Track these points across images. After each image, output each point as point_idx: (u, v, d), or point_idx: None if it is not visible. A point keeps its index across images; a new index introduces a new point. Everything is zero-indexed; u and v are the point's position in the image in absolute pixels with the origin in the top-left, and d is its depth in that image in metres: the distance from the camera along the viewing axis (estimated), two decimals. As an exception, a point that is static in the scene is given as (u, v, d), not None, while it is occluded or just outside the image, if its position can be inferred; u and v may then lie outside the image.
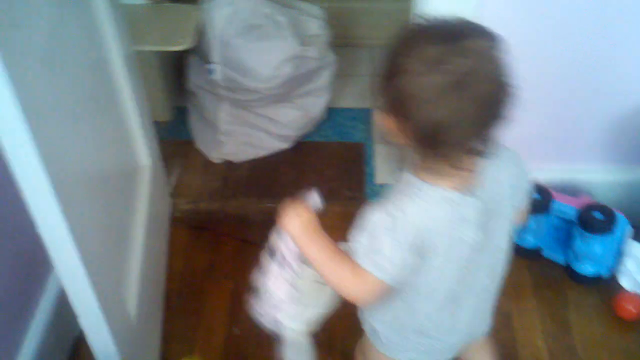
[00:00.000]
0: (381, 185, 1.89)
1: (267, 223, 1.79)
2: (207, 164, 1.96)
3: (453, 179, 0.89)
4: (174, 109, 2.12)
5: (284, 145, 1.96)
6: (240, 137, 1.92)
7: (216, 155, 1.95)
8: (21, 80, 0.81)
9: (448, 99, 0.79)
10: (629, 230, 1.57)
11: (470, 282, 1.01)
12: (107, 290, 1.13)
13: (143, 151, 1.53)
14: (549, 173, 1.67)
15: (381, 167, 1.95)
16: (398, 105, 0.83)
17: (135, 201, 1.49)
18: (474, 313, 1.08)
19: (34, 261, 1.35)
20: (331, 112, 2.08)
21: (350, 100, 2.16)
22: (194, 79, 1.92)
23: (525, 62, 1.33)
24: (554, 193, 1.61)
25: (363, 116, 2.11)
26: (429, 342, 1.08)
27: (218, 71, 1.81)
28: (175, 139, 2.04)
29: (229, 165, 1.96)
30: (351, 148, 1.99)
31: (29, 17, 0.90)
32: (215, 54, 1.79)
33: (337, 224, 1.74)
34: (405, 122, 0.84)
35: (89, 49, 1.26)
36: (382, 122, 0.88)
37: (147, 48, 1.72)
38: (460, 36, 0.80)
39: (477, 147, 0.85)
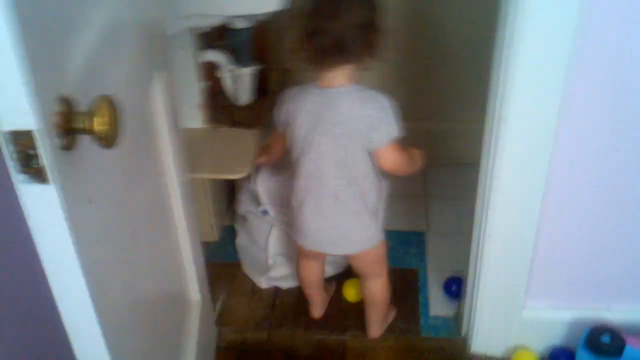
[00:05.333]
0: (436, 317, 1.80)
1: (316, 357, 1.72)
2: (254, 289, 1.90)
3: (319, 81, 1.40)
4: (221, 228, 2.08)
5: (335, 271, 1.89)
6: (289, 261, 1.86)
7: (264, 280, 1.89)
8: (87, 249, 0.77)
9: (301, 23, 1.33)
10: None
11: (312, 178, 1.45)
12: None
13: (193, 287, 1.48)
14: (619, 313, 1.58)
15: (436, 295, 1.86)
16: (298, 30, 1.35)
17: (182, 336, 1.42)
18: (318, 215, 1.49)
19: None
20: (382, 236, 2.01)
21: (402, 222, 2.10)
22: (246, 203, 1.89)
23: (601, 199, 1.29)
24: (627, 336, 1.51)
25: (416, 240, 2.05)
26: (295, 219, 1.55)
27: (271, 212, 1.78)
28: (221, 260, 1.99)
29: (276, 291, 1.89)
30: (404, 275, 1.92)
31: (103, 191, 0.87)
32: (263, 195, 1.77)
33: (391, 360, 1.68)
34: (297, 44, 1.35)
35: (150, 182, 1.23)
36: (296, 49, 1.36)
37: (204, 176, 1.70)
38: None
39: (323, 61, 1.35)
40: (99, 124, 0.71)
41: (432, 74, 2.23)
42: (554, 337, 1.64)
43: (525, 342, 1.65)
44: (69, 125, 0.71)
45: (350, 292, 1.84)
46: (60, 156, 0.71)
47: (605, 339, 1.50)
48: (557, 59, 1.20)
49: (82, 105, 0.73)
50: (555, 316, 1.61)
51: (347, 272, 1.86)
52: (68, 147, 0.72)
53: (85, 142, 0.75)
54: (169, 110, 1.27)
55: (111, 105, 0.72)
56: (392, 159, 1.45)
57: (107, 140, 0.72)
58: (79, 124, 0.72)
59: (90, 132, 0.71)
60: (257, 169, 1.77)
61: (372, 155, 1.45)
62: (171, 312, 1.39)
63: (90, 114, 0.71)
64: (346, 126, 1.39)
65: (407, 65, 2.20)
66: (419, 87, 2.25)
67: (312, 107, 1.41)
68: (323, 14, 1.32)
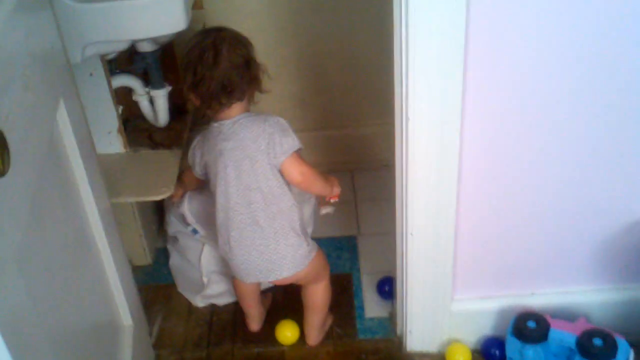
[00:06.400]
0: (372, 319, 1.83)
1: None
2: (190, 308, 1.90)
3: (215, 117, 1.51)
4: (153, 251, 2.07)
5: (271, 284, 1.90)
6: (223, 278, 1.86)
7: (199, 299, 1.89)
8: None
9: (188, 73, 1.47)
10: (630, 354, 1.52)
11: (228, 210, 1.52)
12: None
13: (124, 312, 1.47)
14: (543, 298, 1.64)
15: (371, 298, 1.89)
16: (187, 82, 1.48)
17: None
18: (243, 246, 1.53)
19: None
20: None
21: (333, 228, 2.12)
22: (175, 223, 1.88)
23: (514, 185, 1.35)
24: (550, 320, 1.56)
25: (347, 244, 2.08)
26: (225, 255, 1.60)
27: (200, 229, 1.78)
28: (155, 283, 1.98)
29: (213, 308, 1.89)
30: (338, 280, 1.94)
31: (6, 222, 0.86)
32: (189, 215, 1.77)
33: (330, 366, 1.70)
34: (189, 91, 1.49)
35: (64, 211, 1.22)
36: (190, 99, 1.51)
37: (126, 200, 1.69)
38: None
39: (215, 104, 1.47)
40: (-15, 155, 0.71)
41: (348, 80, 2.26)
42: (485, 328, 1.69)
43: (458, 335, 1.69)
44: (-45, 159, 0.71)
45: (283, 335, 1.78)
46: (-52, 190, 0.71)
47: (531, 324, 1.55)
48: (451, 57, 1.24)
49: (-31, 138, 0.73)
50: (483, 307, 1.66)
51: (278, 307, 1.88)
52: (-43, 180, 0.72)
53: (-23, 175, 0.75)
54: (80, 137, 1.27)
55: (-3, 135, 0.72)
56: (298, 170, 1.51)
57: (-5, 170, 0.72)
58: (-35, 156, 0.72)
59: (-23, 163, 0.71)
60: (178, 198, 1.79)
61: (280, 172, 1.50)
62: (101, 341, 1.38)
63: (-24, 146, 0.71)
64: (247, 149, 1.47)
65: (321, 75, 2.23)
66: (338, 95, 2.28)
67: (214, 142, 1.51)
68: (206, 62, 1.44)
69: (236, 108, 1.50)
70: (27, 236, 0.95)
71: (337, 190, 1.65)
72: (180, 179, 1.74)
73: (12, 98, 0.94)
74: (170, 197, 1.75)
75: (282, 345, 1.77)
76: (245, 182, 1.48)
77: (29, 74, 1.02)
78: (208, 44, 1.45)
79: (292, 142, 1.49)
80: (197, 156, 1.59)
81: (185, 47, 1.49)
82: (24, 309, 0.91)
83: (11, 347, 0.83)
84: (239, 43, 1.48)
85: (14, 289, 0.88)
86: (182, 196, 1.78)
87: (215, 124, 1.52)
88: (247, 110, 1.53)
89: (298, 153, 1.51)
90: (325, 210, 1.66)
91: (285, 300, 1.89)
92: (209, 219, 1.71)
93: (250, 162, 1.47)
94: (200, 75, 1.44)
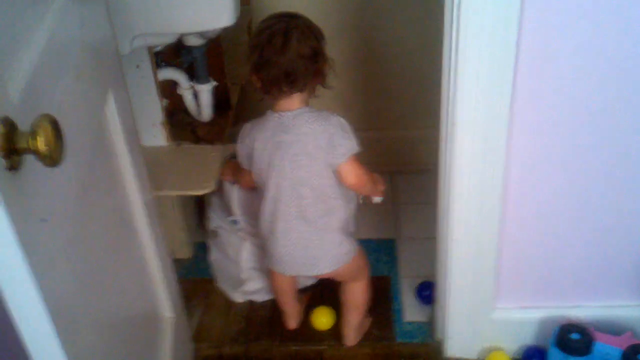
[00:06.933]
0: (411, 323, 1.81)
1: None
2: (229, 303, 1.90)
3: (274, 107, 1.48)
4: (194, 245, 2.07)
5: (308, 282, 1.89)
6: (263, 275, 1.86)
7: (238, 294, 1.89)
8: (43, 270, 0.77)
9: (254, 56, 1.42)
10: (679, 371, 1.47)
11: (277, 201, 1.49)
12: None
13: (166, 304, 1.48)
14: (588, 310, 1.59)
15: (409, 301, 1.87)
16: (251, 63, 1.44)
17: (156, 354, 1.42)
18: (289, 238, 1.52)
19: None
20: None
21: (372, 230, 2.11)
22: (215, 219, 1.89)
23: (560, 195, 1.31)
24: (595, 333, 1.52)
25: (386, 247, 2.06)
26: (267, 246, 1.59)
27: (241, 221, 1.78)
28: (195, 277, 1.99)
29: (251, 305, 1.89)
30: (376, 282, 1.91)
31: (56, 210, 0.87)
32: (235, 205, 1.77)
33: (366, 368, 1.68)
34: (251, 74, 1.45)
35: (110, 201, 1.23)
36: (252, 80, 1.46)
37: (169, 193, 1.70)
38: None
39: (275, 90, 1.43)
40: (41, 143, 0.71)
41: (391, 82, 2.24)
42: (526, 337, 1.65)
43: (498, 343, 1.66)
44: (12, 146, 0.71)
45: (319, 321, 1.81)
46: (5, 176, 0.71)
47: (575, 336, 1.51)
48: (502, 63, 1.22)
49: (25, 125, 0.73)
50: (525, 316, 1.62)
51: (315, 297, 1.88)
52: (13, 167, 0.73)
53: (32, 162, 0.75)
54: (126, 128, 1.27)
55: (52, 123, 0.72)
56: (354, 174, 1.49)
57: (51, 158, 0.72)
58: (21, 144, 0.71)
59: (33, 151, 0.71)
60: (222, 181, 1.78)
61: (335, 172, 1.48)
62: (143, 331, 1.38)
63: (32, 133, 0.71)
64: (305, 145, 1.45)
65: (365, 75, 2.22)
66: (380, 96, 2.27)
67: (270, 132, 1.48)
68: (274, 47, 1.40)
69: (296, 99, 1.46)
70: (76, 225, 0.95)
71: (381, 187, 1.63)
72: (229, 163, 1.73)
73: (64, 87, 0.94)
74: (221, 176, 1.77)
75: (318, 332, 1.78)
76: (299, 177, 1.47)
77: (80, 64, 1.03)
78: (279, 29, 1.41)
79: (351, 144, 1.46)
80: (244, 145, 1.54)
81: (257, 27, 1.47)
82: (71, 296, 0.92)
83: (60, 332, 0.83)
84: (311, 33, 1.44)
85: (63, 276, 0.88)
86: (233, 184, 1.78)
87: (275, 114, 1.48)
88: (307, 103, 1.49)
89: (356, 156, 1.48)
90: (377, 199, 1.65)
91: (321, 293, 1.88)
92: (253, 212, 1.70)
93: (308, 158, 1.45)
94: (265, 58, 1.41)
